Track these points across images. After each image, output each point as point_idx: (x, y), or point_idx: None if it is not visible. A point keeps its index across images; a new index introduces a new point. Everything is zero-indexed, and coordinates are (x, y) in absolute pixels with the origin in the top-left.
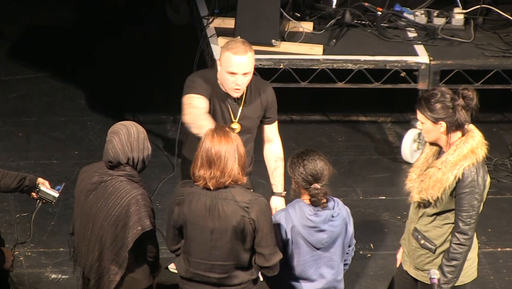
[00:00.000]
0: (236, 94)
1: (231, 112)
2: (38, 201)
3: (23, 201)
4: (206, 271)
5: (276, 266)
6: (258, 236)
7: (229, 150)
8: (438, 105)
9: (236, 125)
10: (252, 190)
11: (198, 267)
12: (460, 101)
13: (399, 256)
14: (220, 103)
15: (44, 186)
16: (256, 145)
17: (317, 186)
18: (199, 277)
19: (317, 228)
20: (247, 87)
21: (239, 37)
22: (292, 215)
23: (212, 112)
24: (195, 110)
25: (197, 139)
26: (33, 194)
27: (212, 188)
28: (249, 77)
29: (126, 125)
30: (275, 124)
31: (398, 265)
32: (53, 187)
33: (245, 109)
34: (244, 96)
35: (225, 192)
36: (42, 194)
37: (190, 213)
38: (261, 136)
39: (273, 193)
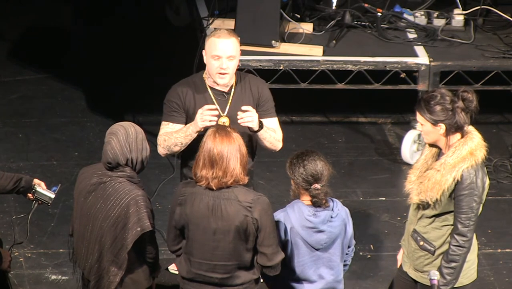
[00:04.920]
0: (221, 81)
1: (218, 107)
2: (34, 202)
3: (23, 202)
4: (208, 272)
5: (278, 266)
6: (260, 236)
7: (231, 150)
8: (437, 107)
9: (225, 119)
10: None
11: (200, 267)
12: (460, 104)
13: (399, 257)
14: (207, 99)
15: (40, 186)
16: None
17: (318, 186)
18: (201, 278)
19: (315, 228)
20: (237, 82)
21: None
22: (291, 216)
23: (197, 109)
24: (165, 137)
25: (195, 141)
26: (29, 195)
27: (214, 188)
28: (234, 63)
29: (124, 126)
30: (273, 120)
31: (398, 266)
32: (49, 187)
33: (234, 103)
34: (233, 90)
35: (228, 192)
36: (38, 195)
37: (193, 213)
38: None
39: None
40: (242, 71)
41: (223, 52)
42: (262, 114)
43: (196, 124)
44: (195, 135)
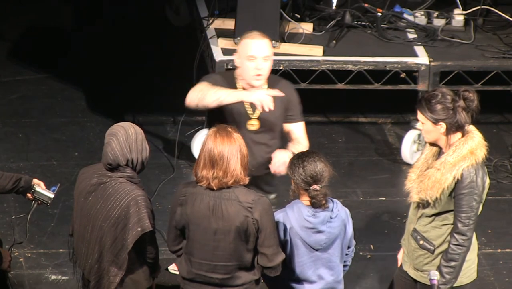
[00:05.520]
0: (257, 83)
1: (250, 109)
2: (33, 202)
3: (22, 202)
4: (209, 272)
5: (278, 266)
6: (261, 236)
7: (231, 150)
8: (438, 106)
9: (255, 122)
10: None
11: (200, 267)
12: (461, 103)
13: (399, 256)
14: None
15: (40, 186)
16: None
17: (317, 187)
18: (201, 278)
19: (315, 229)
20: (268, 85)
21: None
22: (290, 216)
23: (232, 111)
24: (205, 86)
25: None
26: (29, 195)
27: (215, 188)
28: (269, 64)
29: (124, 127)
30: (300, 124)
31: (399, 265)
32: (49, 187)
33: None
34: None
35: (228, 192)
36: (38, 194)
37: (193, 213)
38: (286, 138)
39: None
40: None
41: (258, 53)
42: (290, 119)
43: (251, 94)
44: (235, 100)
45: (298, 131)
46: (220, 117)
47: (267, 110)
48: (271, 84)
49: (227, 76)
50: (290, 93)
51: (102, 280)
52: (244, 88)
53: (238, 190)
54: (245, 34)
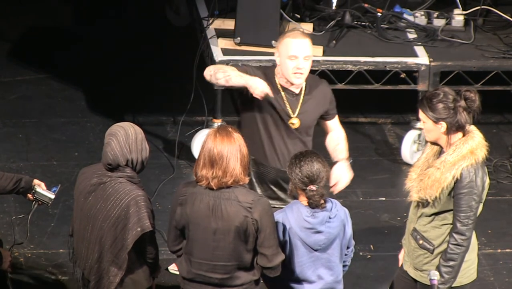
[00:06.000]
0: (298, 81)
1: (288, 107)
2: (34, 202)
3: (23, 202)
4: (208, 272)
5: (278, 267)
6: (261, 237)
7: (231, 150)
8: (439, 105)
9: (295, 120)
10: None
11: (200, 267)
12: (462, 103)
13: (400, 256)
14: (277, 98)
15: (40, 187)
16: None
17: (313, 187)
18: (201, 278)
19: (314, 229)
20: (307, 84)
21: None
22: (289, 216)
23: (269, 106)
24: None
25: (251, 123)
26: (29, 195)
27: (214, 188)
28: (309, 63)
29: (123, 127)
30: (336, 117)
31: (399, 265)
32: (49, 188)
33: (305, 104)
34: (303, 91)
35: (228, 192)
36: (38, 195)
37: (193, 213)
38: (323, 131)
39: (334, 162)
40: None
41: (299, 52)
42: (327, 117)
43: (252, 79)
44: (242, 84)
45: (334, 123)
46: (260, 115)
47: (255, 95)
48: (310, 83)
49: (268, 72)
50: (329, 92)
51: (102, 280)
52: (282, 87)
53: (237, 190)
54: (286, 33)
